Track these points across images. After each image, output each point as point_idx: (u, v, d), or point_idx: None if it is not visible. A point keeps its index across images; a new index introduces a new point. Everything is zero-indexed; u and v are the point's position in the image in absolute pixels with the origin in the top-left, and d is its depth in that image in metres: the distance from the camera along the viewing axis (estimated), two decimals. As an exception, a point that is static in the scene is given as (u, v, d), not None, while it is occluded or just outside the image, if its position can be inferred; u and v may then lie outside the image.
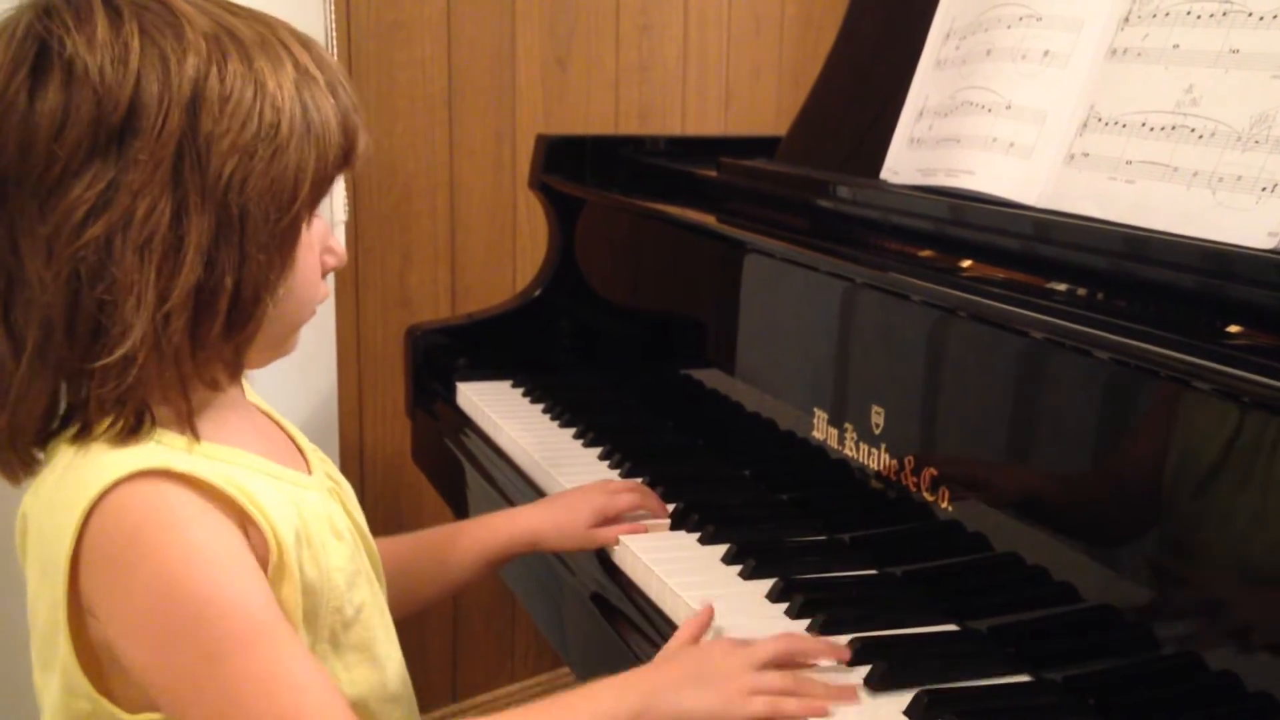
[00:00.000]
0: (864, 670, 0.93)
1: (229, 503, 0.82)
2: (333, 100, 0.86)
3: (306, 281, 0.89)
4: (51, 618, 0.81)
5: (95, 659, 0.83)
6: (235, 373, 0.89)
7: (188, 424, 0.84)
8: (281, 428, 0.99)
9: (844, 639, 0.96)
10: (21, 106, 0.78)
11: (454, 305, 2.09)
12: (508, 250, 2.14)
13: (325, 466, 0.98)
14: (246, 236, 0.81)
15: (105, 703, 0.83)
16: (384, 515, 2.12)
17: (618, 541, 1.17)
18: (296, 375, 1.79)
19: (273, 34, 0.85)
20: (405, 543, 1.14)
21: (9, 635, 1.66)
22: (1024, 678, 0.94)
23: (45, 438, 0.85)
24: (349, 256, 1.99)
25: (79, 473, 0.80)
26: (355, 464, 2.06)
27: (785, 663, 0.92)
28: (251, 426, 0.92)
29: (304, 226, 0.86)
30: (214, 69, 0.80)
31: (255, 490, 0.84)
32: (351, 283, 2.02)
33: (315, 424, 1.86)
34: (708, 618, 0.99)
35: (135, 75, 0.79)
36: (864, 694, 0.91)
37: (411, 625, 2.15)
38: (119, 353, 0.78)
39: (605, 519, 1.18)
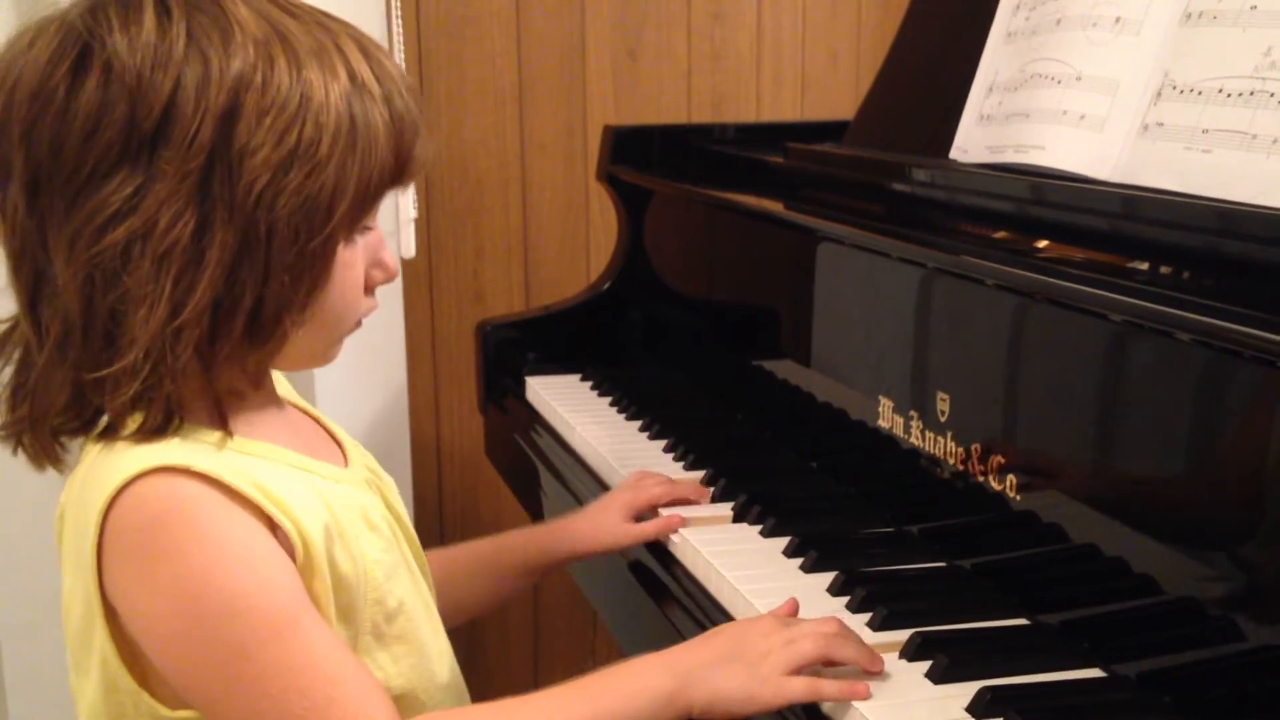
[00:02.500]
0: (925, 665, 0.89)
1: (249, 504, 0.80)
2: (387, 114, 0.82)
3: (344, 300, 0.85)
4: (87, 614, 0.81)
5: (134, 653, 0.82)
6: (258, 382, 0.87)
7: (218, 420, 0.83)
8: (319, 422, 0.98)
9: (905, 633, 0.93)
10: (58, 103, 0.77)
11: (528, 300, 2.09)
12: (581, 244, 2.13)
13: (366, 460, 0.97)
14: (272, 255, 0.78)
15: (146, 697, 0.82)
16: (462, 512, 2.13)
17: (653, 537, 1.15)
18: (366, 372, 1.80)
19: (331, 41, 0.82)
20: (448, 555, 1.13)
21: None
22: (1096, 673, 0.89)
23: (73, 431, 0.84)
24: (422, 253, 2.01)
25: (102, 469, 0.79)
26: (433, 461, 2.07)
27: (823, 661, 0.89)
28: (283, 421, 0.91)
29: (339, 246, 0.83)
30: (258, 77, 0.78)
31: (279, 487, 0.81)
32: (425, 279, 2.03)
33: (386, 420, 1.87)
34: (791, 610, 0.96)
35: (174, 82, 0.77)
36: (926, 689, 0.88)
37: (492, 626, 2.16)
38: (119, 364, 0.77)
39: (636, 510, 1.17)
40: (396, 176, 0.84)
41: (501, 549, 1.15)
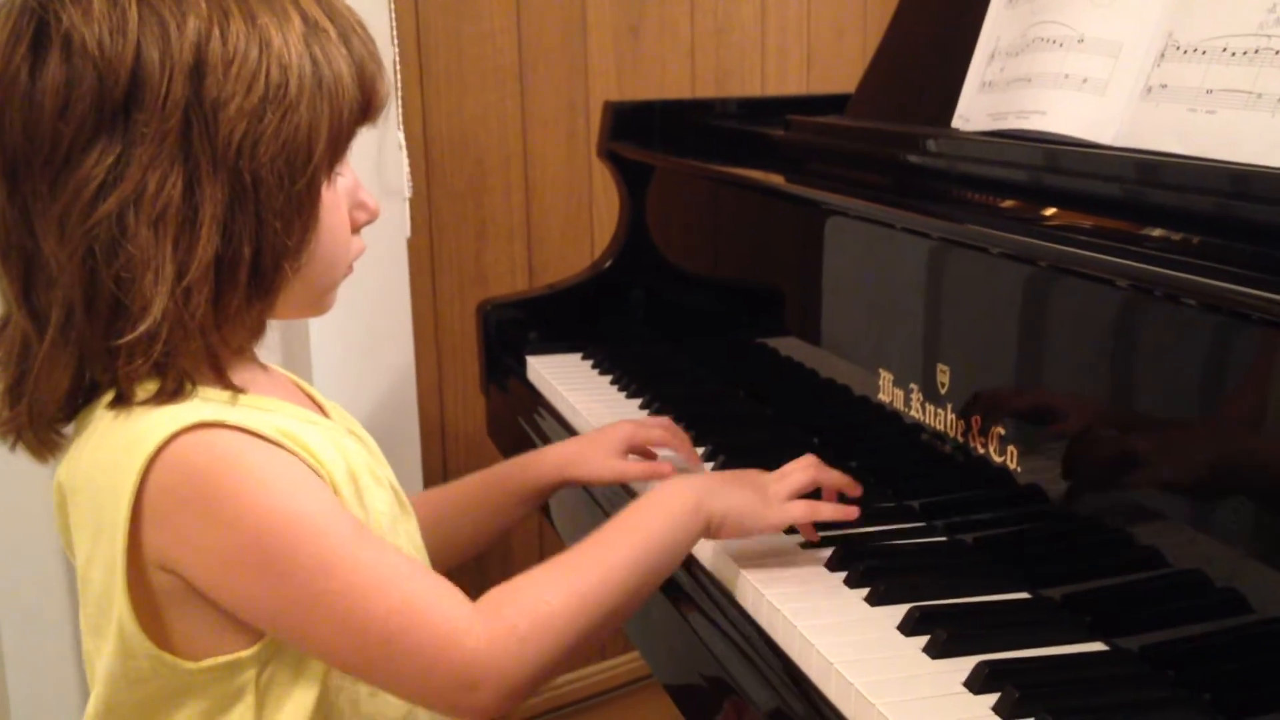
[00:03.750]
0: (923, 640, 0.87)
1: (282, 448, 0.81)
2: (345, 51, 0.83)
3: (334, 241, 0.87)
4: (108, 579, 0.81)
5: (155, 615, 0.82)
6: (258, 335, 0.88)
7: (225, 381, 0.84)
8: (297, 385, 0.98)
9: (903, 608, 0.91)
10: (23, 86, 0.77)
11: (531, 280, 2.07)
12: (584, 223, 2.11)
13: (347, 422, 0.97)
14: (261, 203, 0.80)
15: (166, 657, 0.82)
16: (468, 494, 2.11)
17: (639, 479, 1.15)
18: (372, 355, 1.79)
19: None
20: (440, 494, 1.14)
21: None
22: (1098, 646, 0.87)
23: (66, 418, 0.85)
24: (424, 234, 1.99)
25: (127, 433, 0.80)
26: (437, 442, 2.06)
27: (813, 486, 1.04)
28: (274, 382, 0.92)
29: (324, 187, 0.84)
30: (216, 30, 0.78)
31: (303, 435, 0.83)
32: (427, 261, 2.01)
33: (393, 402, 1.86)
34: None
35: (135, 45, 0.77)
36: (924, 664, 0.86)
37: (496, 576, 2.14)
38: (141, 328, 0.78)
39: (632, 448, 1.17)
40: (364, 111, 0.86)
41: (493, 480, 1.15)
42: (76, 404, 0.84)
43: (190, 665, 0.83)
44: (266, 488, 0.79)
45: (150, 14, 0.77)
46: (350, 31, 0.84)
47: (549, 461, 1.15)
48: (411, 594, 0.80)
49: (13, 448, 0.86)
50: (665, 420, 1.22)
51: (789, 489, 1.00)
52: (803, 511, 0.99)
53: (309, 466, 0.82)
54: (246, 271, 0.80)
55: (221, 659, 0.83)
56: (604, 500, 1.19)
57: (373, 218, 0.91)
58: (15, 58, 0.77)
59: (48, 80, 0.77)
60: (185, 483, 0.78)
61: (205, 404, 0.81)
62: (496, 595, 0.85)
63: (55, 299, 0.80)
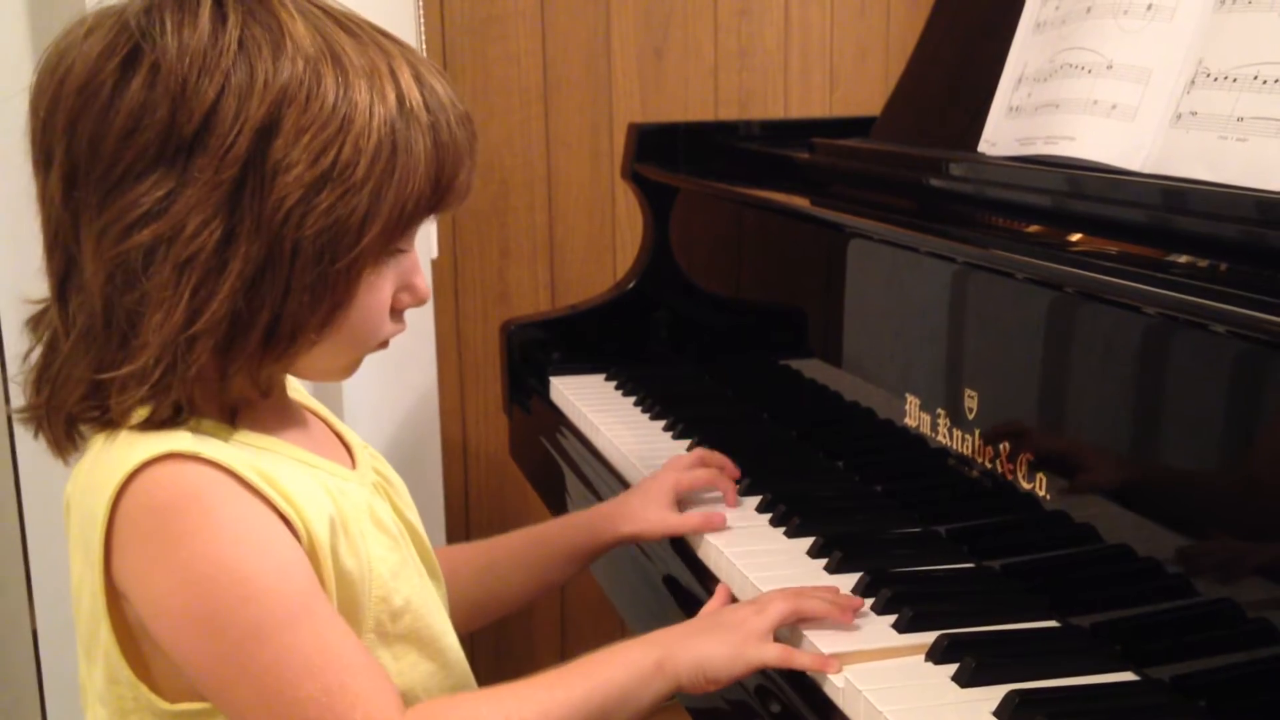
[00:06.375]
0: (952, 668, 0.87)
1: (256, 493, 0.79)
2: (430, 142, 0.81)
3: (364, 321, 0.83)
4: (93, 604, 0.80)
5: (135, 645, 0.81)
6: (268, 392, 0.86)
7: (226, 414, 0.83)
8: (328, 424, 0.97)
9: (932, 635, 0.91)
10: (103, 99, 0.77)
11: (554, 300, 2.07)
12: (607, 243, 2.12)
13: (375, 463, 0.96)
14: (294, 273, 0.78)
15: (145, 690, 0.81)
16: (489, 513, 2.12)
17: (695, 531, 1.13)
18: (395, 374, 1.79)
19: (386, 63, 0.81)
20: (482, 547, 1.12)
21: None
22: (1129, 676, 0.87)
23: (91, 420, 0.83)
24: (448, 253, 2.00)
25: (109, 456, 0.79)
26: (459, 462, 2.06)
27: (796, 618, 0.93)
28: (291, 420, 0.90)
29: (365, 270, 0.81)
30: (302, 94, 0.77)
31: (285, 478, 0.81)
32: (451, 280, 2.02)
33: (416, 422, 1.87)
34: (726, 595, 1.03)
35: (217, 90, 0.76)
36: (953, 692, 0.86)
37: (518, 632, 2.15)
38: (128, 368, 0.77)
39: (679, 496, 1.15)
40: (433, 205, 0.83)
41: (545, 536, 1.13)
42: (101, 409, 0.82)
43: (165, 706, 0.81)
44: (224, 536, 0.77)
45: (243, 63, 0.77)
46: (443, 124, 0.82)
47: (600, 521, 1.13)
48: (341, 684, 0.77)
49: (35, 436, 0.85)
50: (705, 455, 1.21)
51: (769, 624, 0.91)
52: (777, 657, 0.90)
53: (279, 512, 0.79)
54: (260, 335, 0.79)
55: (194, 705, 0.81)
56: (650, 551, 1.19)
57: (419, 304, 0.88)
58: (103, 71, 0.77)
59: (125, 101, 0.76)
60: (147, 515, 0.77)
61: (188, 434, 0.79)
62: (430, 706, 0.83)
63: (83, 308, 0.80)
